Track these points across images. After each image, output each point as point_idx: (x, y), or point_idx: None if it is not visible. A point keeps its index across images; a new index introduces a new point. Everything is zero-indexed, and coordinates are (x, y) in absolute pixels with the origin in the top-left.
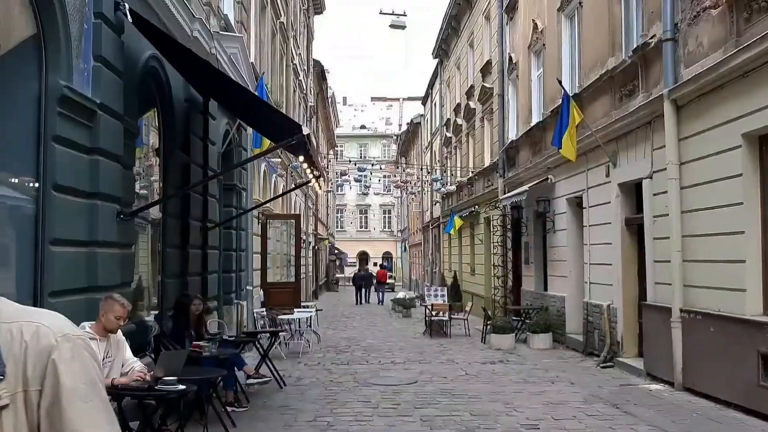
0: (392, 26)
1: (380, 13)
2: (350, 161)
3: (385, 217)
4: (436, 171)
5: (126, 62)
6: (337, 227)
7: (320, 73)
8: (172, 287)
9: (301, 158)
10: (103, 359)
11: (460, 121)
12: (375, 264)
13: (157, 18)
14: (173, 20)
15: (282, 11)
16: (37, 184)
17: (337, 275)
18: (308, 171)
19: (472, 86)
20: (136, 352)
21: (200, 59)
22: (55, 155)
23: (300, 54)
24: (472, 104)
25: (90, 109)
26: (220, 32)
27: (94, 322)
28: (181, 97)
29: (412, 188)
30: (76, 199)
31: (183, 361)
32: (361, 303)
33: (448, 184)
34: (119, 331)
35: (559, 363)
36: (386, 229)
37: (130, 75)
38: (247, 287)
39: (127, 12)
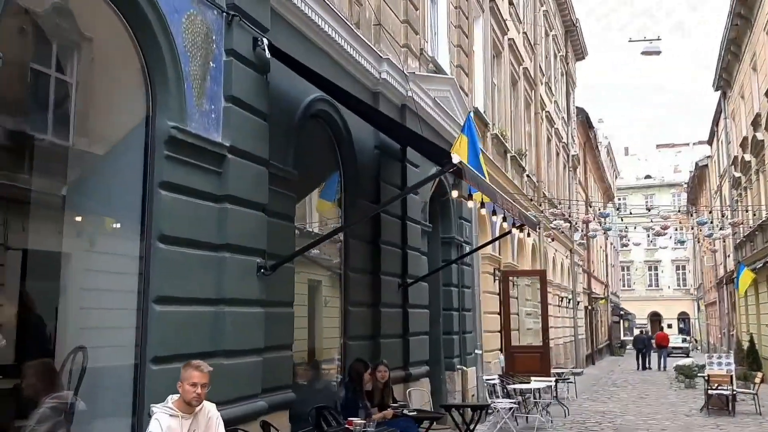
0: (645, 53)
1: (630, 41)
2: (606, 215)
3: (678, 273)
4: (704, 214)
5: (278, 104)
6: (622, 286)
7: (585, 121)
8: (357, 351)
9: (455, 194)
10: None
11: (748, 157)
12: (669, 326)
13: (329, 58)
14: (351, 61)
15: (527, 57)
16: (141, 235)
17: (623, 338)
18: (469, 204)
19: (758, 114)
20: (301, 425)
21: (367, 105)
22: (162, 203)
23: (556, 101)
24: (759, 135)
25: (216, 153)
26: (417, 74)
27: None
28: (368, 144)
29: (679, 235)
30: (195, 252)
31: None
32: (643, 368)
33: (721, 228)
34: (212, 406)
35: None
36: (680, 287)
37: (284, 118)
38: (475, 351)
39: (266, 48)
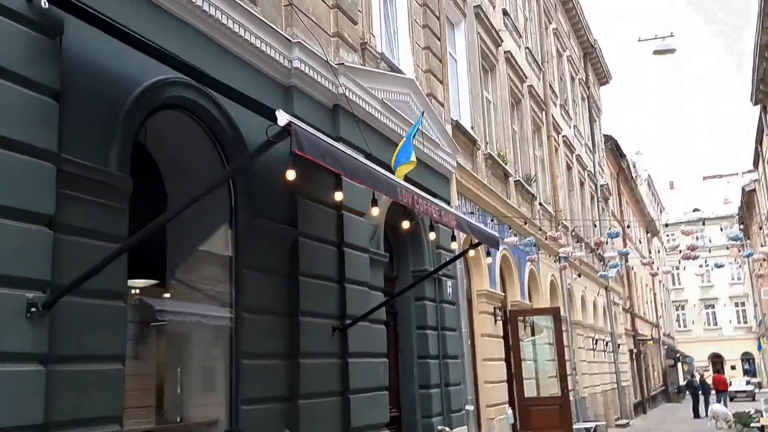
0: (657, 52)
1: (639, 41)
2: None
3: (737, 310)
4: (740, 230)
5: (92, 83)
6: (678, 326)
7: (614, 150)
8: (259, 419)
9: (291, 175)
10: None
11: None
12: (732, 368)
13: (201, 35)
14: (238, 41)
15: (532, 75)
16: None
17: (682, 383)
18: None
19: None
20: None
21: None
22: None
23: (576, 126)
24: None
25: None
26: (352, 66)
27: None
28: (277, 147)
29: (718, 261)
30: None
31: None
32: (695, 416)
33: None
34: None
35: None
36: (741, 325)
37: (104, 102)
38: (466, 407)
39: None
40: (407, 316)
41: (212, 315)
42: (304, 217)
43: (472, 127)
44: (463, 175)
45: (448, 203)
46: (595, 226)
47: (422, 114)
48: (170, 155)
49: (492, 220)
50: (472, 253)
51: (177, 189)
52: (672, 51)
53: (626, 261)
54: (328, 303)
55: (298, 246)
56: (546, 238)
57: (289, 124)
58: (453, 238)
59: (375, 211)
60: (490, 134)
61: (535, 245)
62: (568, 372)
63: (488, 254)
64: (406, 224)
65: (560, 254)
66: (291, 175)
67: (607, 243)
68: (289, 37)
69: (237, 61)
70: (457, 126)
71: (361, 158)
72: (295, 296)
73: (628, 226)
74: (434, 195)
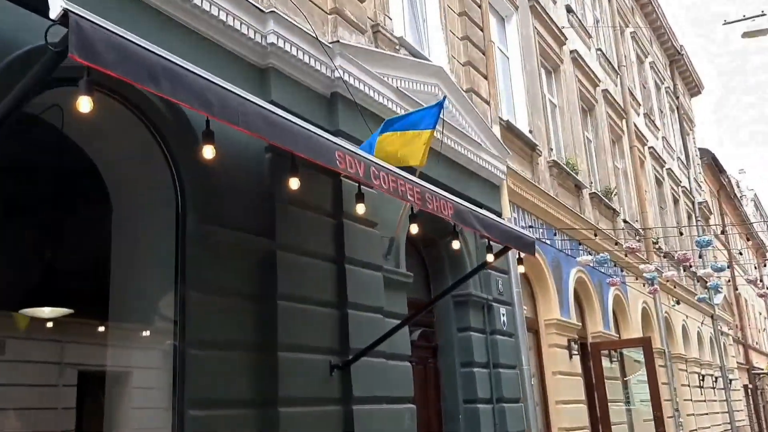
0: (746, 35)
1: (725, 23)
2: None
3: None
4: None
5: None
6: None
7: (712, 164)
8: None
9: (85, 106)
10: None
11: None
12: None
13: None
14: (196, 15)
15: (607, 79)
16: None
17: None
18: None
19: None
20: None
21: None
22: None
23: (664, 138)
24: None
25: None
26: (353, 44)
27: None
28: (242, 139)
29: None
30: None
31: None
32: None
33: None
34: None
35: None
36: None
37: None
38: None
39: None
40: (449, 350)
41: (151, 350)
42: (285, 225)
43: (530, 131)
44: (518, 184)
45: (499, 215)
46: (681, 234)
47: (444, 98)
48: (104, 148)
49: (555, 234)
50: (490, 258)
51: (117, 188)
52: (764, 32)
53: (730, 281)
54: (323, 334)
55: (275, 261)
56: (626, 255)
57: (66, 14)
58: (456, 235)
59: (360, 209)
60: (556, 141)
61: (614, 264)
62: (669, 414)
63: (520, 261)
64: (429, 236)
65: (645, 274)
66: (84, 105)
67: (701, 257)
68: (261, 8)
69: (192, 36)
70: (508, 128)
71: (254, 98)
72: (272, 325)
73: (723, 232)
74: (479, 206)
